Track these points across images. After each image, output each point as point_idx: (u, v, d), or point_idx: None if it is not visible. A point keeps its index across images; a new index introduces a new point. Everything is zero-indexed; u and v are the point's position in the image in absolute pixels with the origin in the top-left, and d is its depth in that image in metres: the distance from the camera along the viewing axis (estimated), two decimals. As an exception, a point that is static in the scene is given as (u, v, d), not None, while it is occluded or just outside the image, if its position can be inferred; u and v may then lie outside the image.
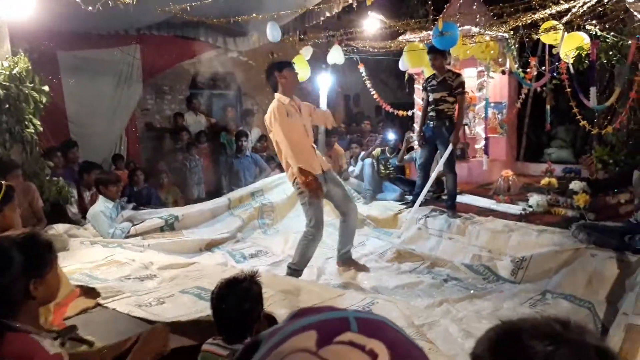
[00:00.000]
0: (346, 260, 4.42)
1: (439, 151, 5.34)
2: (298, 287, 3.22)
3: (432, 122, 5.22)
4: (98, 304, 2.97)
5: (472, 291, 3.78)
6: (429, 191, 6.20)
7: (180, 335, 2.42)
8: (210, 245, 5.09)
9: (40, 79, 4.72)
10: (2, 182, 2.62)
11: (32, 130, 4.57)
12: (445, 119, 5.14)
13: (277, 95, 4.07)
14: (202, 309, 2.71)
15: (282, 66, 4.12)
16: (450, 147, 5.03)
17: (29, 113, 4.55)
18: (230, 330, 1.92)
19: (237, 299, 1.90)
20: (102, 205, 4.82)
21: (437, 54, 5.12)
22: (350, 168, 7.04)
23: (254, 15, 5.42)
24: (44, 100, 4.67)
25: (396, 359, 0.47)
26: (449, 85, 5.09)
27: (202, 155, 7.45)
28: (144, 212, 5.28)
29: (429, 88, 5.26)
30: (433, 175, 5.25)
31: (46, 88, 4.73)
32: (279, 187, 6.12)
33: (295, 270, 4.09)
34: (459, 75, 5.18)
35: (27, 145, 4.58)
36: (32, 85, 4.56)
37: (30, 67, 4.58)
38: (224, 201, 5.81)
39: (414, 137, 5.97)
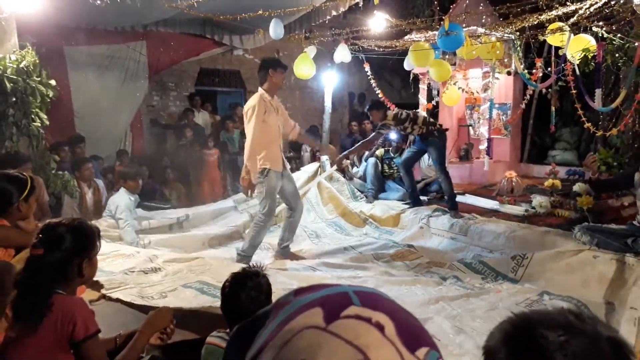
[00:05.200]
0: (285, 253, 4.58)
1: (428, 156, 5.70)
2: (299, 281, 3.24)
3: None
4: (102, 297, 3.00)
5: (469, 290, 3.77)
6: (432, 192, 6.24)
7: (182, 329, 2.44)
8: (214, 241, 5.11)
9: (47, 72, 4.75)
10: (25, 174, 2.66)
11: (39, 124, 4.60)
12: (428, 137, 5.40)
13: (261, 90, 4.30)
14: (204, 303, 2.73)
15: (276, 66, 4.34)
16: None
17: (36, 107, 4.57)
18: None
19: (254, 291, 1.94)
20: (125, 197, 4.85)
21: (372, 109, 5.50)
22: (355, 169, 7.04)
23: (260, 12, 5.42)
24: (51, 94, 4.69)
25: (400, 328, 0.49)
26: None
27: (215, 154, 7.45)
28: (156, 214, 5.34)
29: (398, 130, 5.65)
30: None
31: (53, 82, 4.75)
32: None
33: (244, 256, 4.31)
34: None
35: (33, 139, 4.60)
36: (39, 79, 4.58)
37: (37, 61, 4.61)
38: (230, 203, 5.84)
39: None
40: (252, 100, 4.24)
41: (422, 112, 6.02)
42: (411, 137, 6.35)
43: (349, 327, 0.47)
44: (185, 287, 3.15)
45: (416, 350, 0.48)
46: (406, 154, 5.76)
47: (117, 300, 2.93)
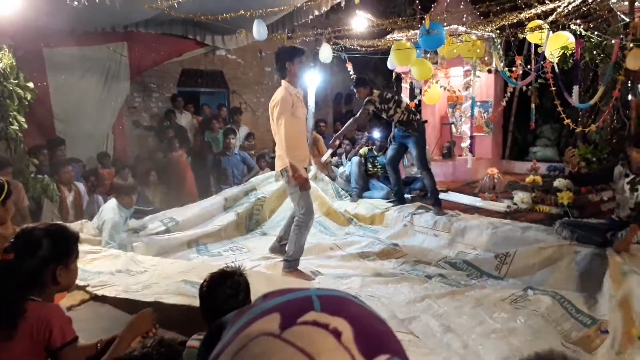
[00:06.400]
0: (282, 251, 4.45)
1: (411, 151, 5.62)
2: (278, 282, 3.25)
3: (399, 129, 5.55)
4: (83, 302, 2.98)
5: (455, 287, 3.80)
6: (416, 189, 6.28)
7: (167, 329, 2.42)
8: (196, 242, 5.05)
9: (25, 75, 4.68)
10: (1, 178, 2.62)
11: (17, 128, 4.53)
12: (408, 128, 5.39)
13: (284, 83, 4.08)
14: (187, 300, 2.73)
15: (292, 56, 4.07)
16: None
17: (14, 110, 4.51)
18: None
19: (232, 290, 1.92)
20: (116, 213, 4.45)
21: (358, 86, 5.42)
22: (341, 168, 7.03)
23: (241, 12, 5.40)
24: (29, 97, 4.63)
25: (359, 334, 0.47)
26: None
27: (182, 155, 7.32)
28: (147, 219, 5.14)
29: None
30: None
31: (31, 85, 4.68)
32: (271, 184, 6.11)
33: (292, 261, 4.11)
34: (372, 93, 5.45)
35: (11, 142, 4.54)
36: (16, 81, 4.52)
37: (14, 64, 4.54)
38: (220, 201, 5.77)
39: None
40: (278, 95, 4.02)
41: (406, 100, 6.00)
42: (392, 133, 6.38)
43: (303, 334, 0.46)
44: (170, 286, 3.13)
45: (374, 358, 0.46)
46: (389, 152, 5.75)
47: (103, 297, 2.91)
